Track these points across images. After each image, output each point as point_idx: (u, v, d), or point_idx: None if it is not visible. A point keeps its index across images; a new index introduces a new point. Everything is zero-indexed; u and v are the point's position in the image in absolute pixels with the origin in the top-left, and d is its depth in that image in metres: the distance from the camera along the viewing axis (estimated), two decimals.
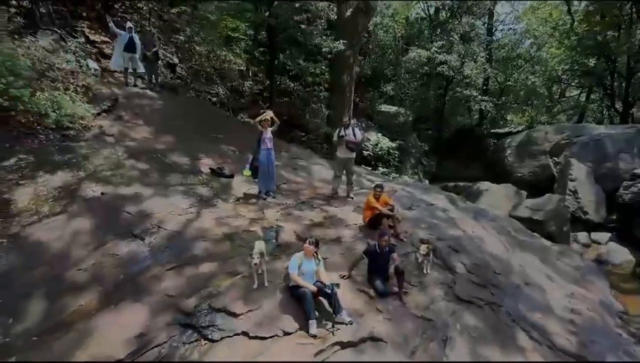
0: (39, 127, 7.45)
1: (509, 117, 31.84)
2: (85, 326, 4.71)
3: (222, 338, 4.58)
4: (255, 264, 5.14)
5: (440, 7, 24.24)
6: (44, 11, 10.91)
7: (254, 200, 7.54)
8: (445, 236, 7.28)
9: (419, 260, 6.21)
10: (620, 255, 10.66)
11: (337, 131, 8.01)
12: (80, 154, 7.43)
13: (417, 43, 25.62)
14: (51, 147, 7.35)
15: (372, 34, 23.15)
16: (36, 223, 5.90)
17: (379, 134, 21.54)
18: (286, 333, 4.71)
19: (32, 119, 7.37)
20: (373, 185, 7.58)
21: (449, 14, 24.41)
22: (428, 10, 24.66)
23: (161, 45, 13.24)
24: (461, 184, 19.26)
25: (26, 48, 8.84)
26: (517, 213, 11.31)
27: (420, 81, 25.63)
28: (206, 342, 4.57)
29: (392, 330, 5.03)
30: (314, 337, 4.66)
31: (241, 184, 8.09)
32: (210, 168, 8.30)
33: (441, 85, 25.39)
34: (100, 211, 6.29)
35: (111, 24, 10.91)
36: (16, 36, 9.15)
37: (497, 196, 12.54)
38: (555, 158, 14.18)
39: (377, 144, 20.47)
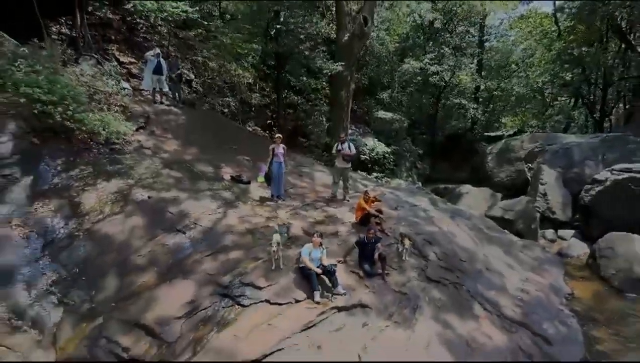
0: (92, 143, 9.10)
1: (503, 120, 33.47)
2: (149, 296, 6.40)
3: (250, 304, 6.25)
4: (274, 251, 6.83)
5: (434, 18, 25.74)
6: (82, 37, 12.59)
7: (268, 202, 9.21)
8: (423, 231, 8.95)
9: (399, 250, 7.88)
10: (579, 248, 12.34)
11: (336, 145, 9.69)
12: (126, 165, 9.10)
13: (411, 54, 27.30)
14: (103, 159, 9.01)
15: (368, 47, 24.79)
16: (102, 221, 7.57)
17: (376, 140, 23.18)
18: (297, 301, 6.38)
19: (87, 136, 9.02)
20: (364, 190, 9.25)
21: (441, 26, 25.96)
22: (422, 23, 26.26)
23: (181, 65, 14.87)
24: (450, 186, 20.92)
25: (76, 75, 10.49)
26: (491, 213, 13.01)
27: (415, 89, 27.24)
28: (239, 307, 6.25)
29: (376, 300, 6.70)
30: (318, 303, 6.33)
31: (257, 189, 9.76)
32: (230, 176, 9.98)
33: (434, 93, 27.02)
34: (149, 211, 7.97)
35: (146, 55, 12.53)
36: (67, 65, 10.82)
37: (475, 198, 14.24)
38: (530, 164, 15.85)
39: (373, 149, 22.08)
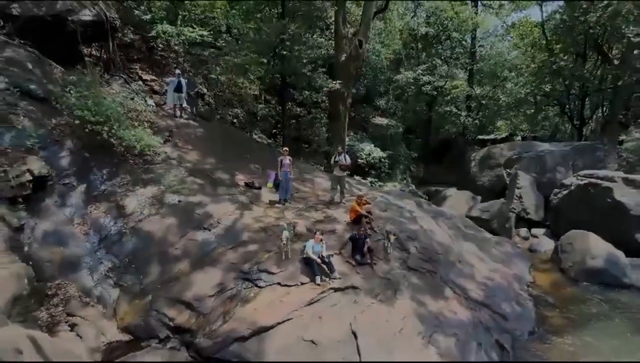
0: (129, 155, 10.79)
1: (497, 123, 35.02)
2: (186, 279, 8.09)
3: (265, 286, 7.93)
4: (283, 244, 8.51)
5: (427, 31, 27.33)
6: (112, 60, 14.28)
7: (277, 205, 10.89)
8: (406, 229, 10.63)
9: (385, 244, 9.56)
10: (547, 244, 14.01)
11: (334, 156, 11.38)
12: (158, 174, 10.78)
13: (405, 64, 29.01)
14: (138, 169, 10.70)
15: (365, 58, 26.49)
16: (143, 220, 9.26)
17: (372, 145, 24.91)
18: (302, 283, 8.05)
19: (125, 150, 10.71)
20: (358, 195, 10.94)
21: (433, 38, 27.62)
22: (416, 35, 27.90)
23: (197, 82, 16.54)
24: (441, 188, 22.67)
25: (112, 95, 12.17)
26: (471, 213, 14.71)
27: (409, 97, 28.89)
28: (257, 287, 7.92)
29: (365, 283, 8.37)
30: (318, 285, 7.99)
31: (267, 194, 11.44)
32: (245, 182, 11.67)
33: (427, 101, 28.64)
34: (180, 212, 9.66)
35: (170, 80, 14.17)
36: (102, 85, 12.51)
37: (458, 200, 15.95)
38: (508, 170, 17.53)
39: (370, 154, 23.80)
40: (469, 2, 31.19)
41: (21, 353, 4.08)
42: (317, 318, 7.31)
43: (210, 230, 9.31)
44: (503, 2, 34.38)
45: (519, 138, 34.06)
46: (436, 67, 26.52)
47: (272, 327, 7.03)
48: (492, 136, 34.84)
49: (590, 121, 25.98)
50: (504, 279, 10.42)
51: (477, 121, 29.64)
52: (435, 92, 26.83)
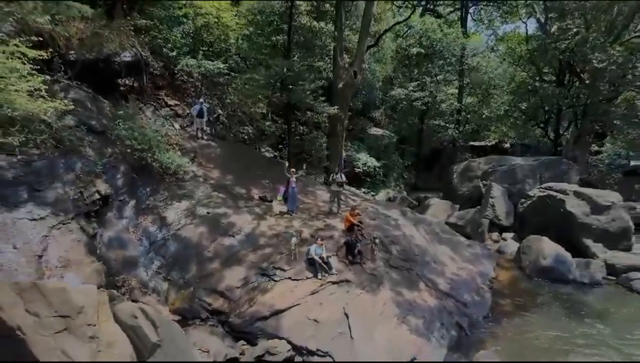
0: (165, 175, 13.18)
1: (492, 128, 37.32)
2: (219, 275, 10.49)
3: (279, 280, 10.31)
4: (292, 247, 10.92)
5: (417, 52, 29.65)
6: (144, 90, 16.67)
7: (285, 215, 13.27)
8: (390, 234, 13.03)
9: (372, 247, 11.96)
10: (513, 246, 16.38)
11: (332, 174, 13.80)
12: (189, 190, 13.17)
13: (399, 80, 31.42)
14: (173, 186, 13.10)
15: (362, 75, 28.86)
16: (181, 229, 11.66)
17: (368, 155, 27.33)
18: (307, 278, 10.42)
19: (162, 170, 13.09)
20: (351, 206, 13.33)
21: (423, 57, 29.96)
22: (408, 54, 30.23)
23: (213, 104, 18.84)
24: (429, 195, 25.09)
25: (148, 123, 14.56)
26: (449, 220, 17.12)
27: (402, 110, 31.27)
28: (273, 281, 10.31)
29: (355, 278, 10.76)
30: (320, 279, 10.39)
31: (277, 206, 13.84)
32: (259, 196, 14.08)
33: (418, 115, 31.05)
34: (210, 222, 12.06)
35: (194, 107, 16.52)
36: (138, 113, 14.90)
37: (439, 208, 18.36)
38: (484, 181, 19.91)
39: (365, 163, 26.26)
40: (459, 20, 33.91)
41: (136, 318, 6.46)
42: (319, 303, 9.70)
43: (234, 236, 11.71)
44: (492, 17, 37.14)
45: (508, 144, 36.68)
46: (426, 84, 28.90)
47: (285, 310, 9.43)
48: (482, 143, 37.50)
49: (566, 133, 28.39)
50: (469, 275, 12.82)
51: (465, 131, 32.10)
52: (425, 107, 29.24)
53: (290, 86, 15.47)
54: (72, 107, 10.29)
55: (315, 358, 8.49)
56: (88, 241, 9.92)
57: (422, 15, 36.94)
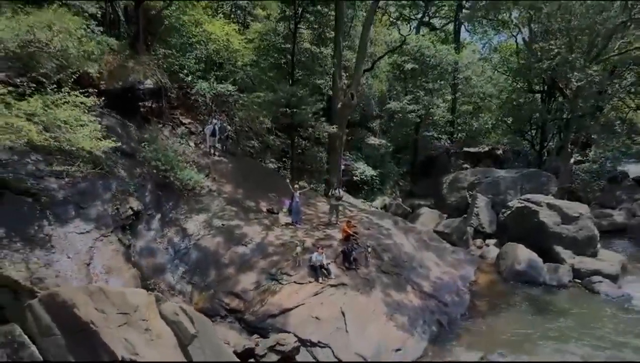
0: (184, 191, 14.92)
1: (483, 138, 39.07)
2: (234, 279, 12.25)
3: (286, 283, 12.06)
4: (297, 254, 12.69)
5: (412, 67, 31.37)
6: (163, 113, 18.41)
7: (290, 226, 15.01)
8: (382, 243, 14.79)
9: (366, 255, 13.71)
10: (494, 252, 18.05)
11: (331, 190, 15.56)
12: (205, 204, 14.92)
13: (395, 93, 33.21)
14: (192, 201, 14.84)
15: (360, 90, 30.60)
16: (200, 239, 13.42)
17: (365, 164, 29.07)
18: (310, 282, 12.15)
19: (181, 186, 14.83)
20: (347, 219, 15.08)
21: (417, 72, 31.70)
22: (402, 69, 31.97)
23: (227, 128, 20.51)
24: (422, 202, 26.87)
25: (167, 143, 16.30)
26: (437, 229, 18.88)
27: (397, 122, 33.01)
28: (280, 284, 12.07)
29: (351, 282, 12.50)
30: (320, 283, 12.14)
31: (283, 218, 15.59)
32: (266, 209, 15.84)
33: (412, 126, 32.78)
34: (225, 233, 13.81)
35: (207, 127, 18.26)
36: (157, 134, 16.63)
37: (428, 218, 20.13)
38: (470, 192, 21.67)
39: (363, 172, 28.00)
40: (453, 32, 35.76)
41: (177, 315, 8.21)
42: (320, 303, 11.45)
43: (246, 245, 13.48)
44: (485, 28, 38.88)
45: (500, 151, 38.44)
46: (420, 97, 30.63)
47: (291, 309, 11.18)
48: (476, 150, 39.30)
49: (551, 143, 30.17)
50: (451, 278, 14.59)
51: (458, 139, 33.93)
52: (419, 119, 31.00)
53: (295, 110, 17.22)
54: (118, 143, 12.02)
55: (317, 349, 10.25)
56: (125, 251, 11.69)
57: (417, 28, 38.94)
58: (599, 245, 16.54)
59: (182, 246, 13.07)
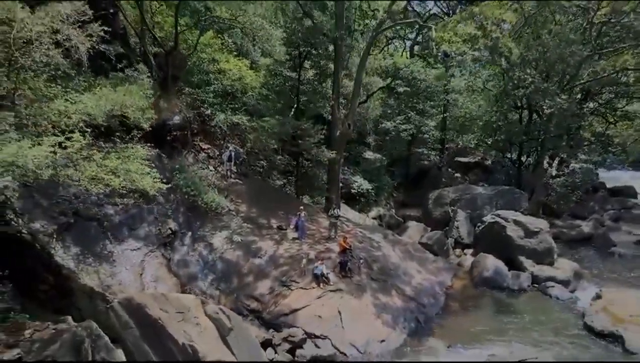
0: (209, 211, 17.83)
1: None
2: (253, 285, 15.17)
3: (295, 289, 14.98)
4: (303, 265, 15.62)
5: (403, 90, 34.27)
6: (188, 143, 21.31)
7: (297, 241, 17.92)
8: (372, 255, 17.70)
9: (359, 265, 16.63)
10: (470, 261, 21.01)
11: (330, 210, 18.52)
12: (226, 222, 17.81)
13: (389, 113, 36.19)
14: (215, 219, 17.75)
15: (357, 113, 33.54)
16: (224, 252, 16.35)
17: (361, 178, 32.01)
18: (313, 288, 15.07)
19: (207, 208, 17.73)
20: (345, 231, 18.00)
21: (409, 95, 34.63)
22: (395, 90, 34.89)
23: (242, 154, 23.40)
24: (412, 214, 29.82)
25: (190, 167, 19.18)
26: (421, 241, 21.82)
27: (391, 139, 35.95)
28: (290, 290, 14.99)
29: (346, 287, 15.40)
30: (322, 289, 15.05)
31: (290, 233, 18.50)
32: (277, 226, 18.76)
33: (405, 143, 35.73)
34: (243, 247, 16.74)
35: (224, 153, 21.20)
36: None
37: (414, 230, 23.08)
38: (452, 207, 24.60)
39: (360, 186, 30.93)
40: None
41: (217, 313, 11.15)
42: (322, 305, 14.37)
43: (261, 258, 16.41)
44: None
45: (489, 161, 41.42)
46: (411, 117, 33.59)
47: (299, 309, 14.10)
48: (467, 160, 42.35)
49: (529, 159, 33.16)
50: (430, 284, 17.52)
51: (448, 154, 36.97)
52: (411, 137, 33.98)
53: (300, 141, 20.22)
54: (164, 181, 14.85)
55: (319, 340, 13.17)
56: (167, 263, 14.65)
57: (411, 48, 41.98)
58: (555, 255, 19.46)
59: (210, 258, 16.00)
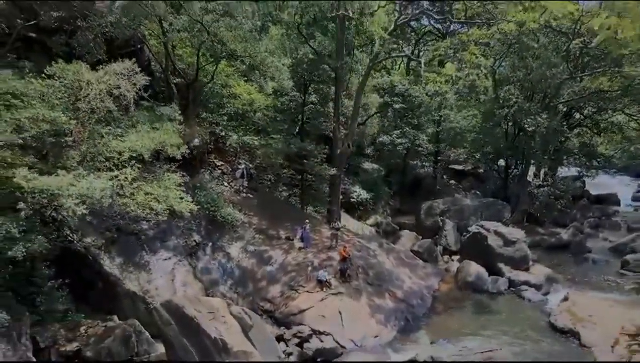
0: (226, 223, 20.16)
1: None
2: (265, 289, 17.57)
3: (302, 292, 17.37)
4: (309, 272, 18.03)
5: (400, 107, 36.69)
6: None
7: (302, 250, 20.30)
8: (369, 262, 20.08)
9: (357, 271, 19.01)
10: (456, 266, 23.41)
11: (331, 222, 20.92)
12: (240, 234, 20.11)
13: (386, 126, 38.59)
14: (231, 231, 20.10)
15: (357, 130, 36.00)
16: (240, 261, 18.70)
17: (360, 188, 34.40)
18: (318, 291, 17.45)
19: (223, 220, 20.10)
20: (345, 241, 20.39)
21: (405, 110, 37.06)
22: (391, 106, 37.32)
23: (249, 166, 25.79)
24: (407, 222, 32.21)
25: (209, 185, 21.57)
26: (413, 248, 24.22)
27: (387, 152, 38.35)
28: (297, 293, 17.37)
29: (346, 291, 17.74)
30: (325, 292, 17.45)
31: (297, 243, 20.87)
32: (285, 236, 21.16)
33: (401, 155, 38.11)
34: (256, 256, 19.13)
35: (237, 171, 23.64)
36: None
37: (407, 239, 25.50)
38: (441, 217, 27.01)
39: (359, 195, 33.32)
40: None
41: (240, 313, 13.53)
42: (325, 306, 16.76)
43: (272, 265, 18.81)
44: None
45: (482, 169, 43.77)
46: (407, 131, 36.00)
47: (306, 310, 16.47)
48: (461, 167, 44.82)
49: (516, 171, 35.56)
50: (419, 288, 19.91)
51: (441, 165, 39.47)
52: (406, 151, 36.41)
53: (305, 161, 22.70)
54: (195, 206, 17.15)
55: (323, 336, 15.53)
56: (192, 271, 17.07)
57: (407, 63, 44.38)
58: (531, 261, 21.85)
59: (228, 266, 18.40)
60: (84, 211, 11.30)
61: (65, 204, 10.47)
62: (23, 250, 11.01)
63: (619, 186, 48.99)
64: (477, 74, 21.85)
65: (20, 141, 11.00)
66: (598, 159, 40.49)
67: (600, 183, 44.35)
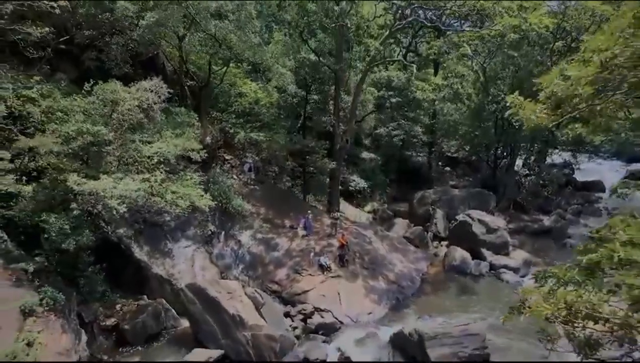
0: (236, 213, 22.29)
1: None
2: (273, 273, 19.77)
3: (305, 275, 19.56)
4: (311, 257, 20.21)
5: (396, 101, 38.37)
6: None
7: (305, 237, 22.44)
8: (364, 249, 22.25)
9: (353, 257, 21.19)
10: (444, 252, 25.61)
11: (331, 213, 23.01)
12: (249, 223, 22.23)
13: (382, 119, 40.33)
14: (241, 220, 22.22)
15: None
16: (250, 247, 20.86)
17: (358, 177, 36.42)
18: (319, 274, 19.66)
19: (234, 211, 22.20)
20: (342, 228, 22.54)
21: (401, 104, 38.75)
22: (391, 102, 38.98)
23: (256, 160, 27.75)
24: (402, 209, 34.32)
25: (223, 178, 23.55)
26: (405, 235, 26.39)
27: (384, 143, 40.22)
28: (301, 276, 19.59)
29: (344, 274, 19.93)
30: (325, 275, 19.66)
31: (300, 231, 23.00)
32: (289, 225, 23.27)
33: (397, 147, 39.96)
34: (264, 243, 21.27)
35: (245, 165, 25.61)
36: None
37: (400, 226, 27.64)
38: (432, 206, 29.09)
39: (357, 184, 35.36)
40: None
41: (254, 294, 15.71)
42: (325, 287, 18.97)
43: (279, 251, 20.99)
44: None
45: (474, 157, 45.71)
46: (402, 124, 37.78)
47: (309, 290, 18.70)
48: (456, 155, 46.76)
49: (505, 161, 37.47)
50: (409, 271, 22.13)
51: (435, 155, 41.40)
52: (402, 142, 38.27)
53: (307, 157, 24.67)
54: (212, 202, 19.18)
55: (324, 313, 17.78)
56: (209, 257, 19.26)
57: (405, 55, 45.75)
58: (510, 247, 24.02)
59: (240, 252, 20.59)
60: (124, 209, 13.35)
61: (109, 204, 12.48)
62: (74, 243, 13.11)
63: (609, 172, 50.44)
64: (459, 83, 23.40)
65: (69, 151, 12.96)
66: (586, 148, 42.14)
67: (589, 169, 45.77)
